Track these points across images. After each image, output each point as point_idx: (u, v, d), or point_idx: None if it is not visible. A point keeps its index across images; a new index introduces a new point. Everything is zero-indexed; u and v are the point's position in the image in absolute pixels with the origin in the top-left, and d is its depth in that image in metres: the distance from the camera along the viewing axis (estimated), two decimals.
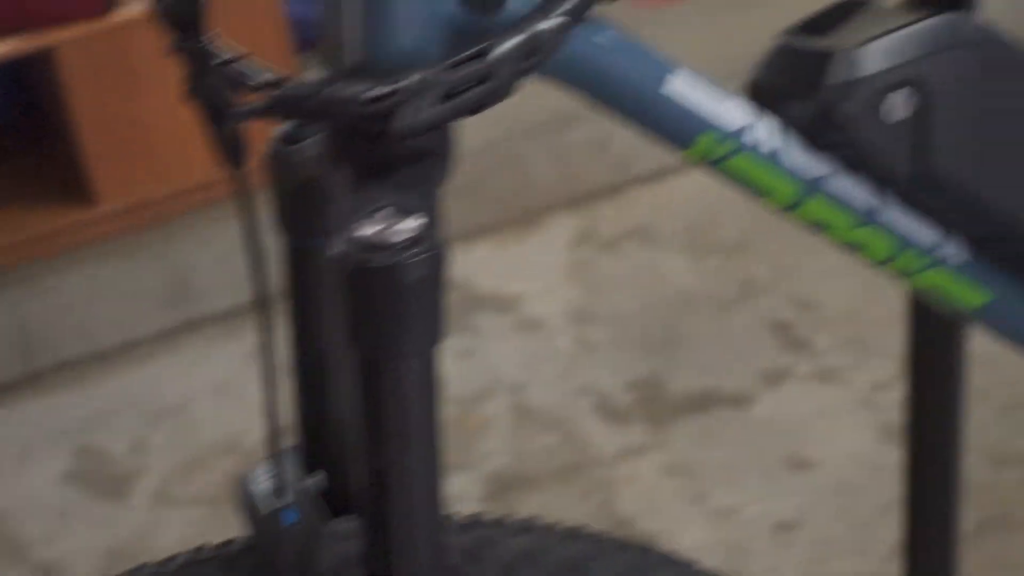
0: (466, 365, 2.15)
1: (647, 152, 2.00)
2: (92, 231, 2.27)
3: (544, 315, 2.23)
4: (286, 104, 0.69)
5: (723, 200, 1.97)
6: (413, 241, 0.68)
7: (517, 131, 2.35)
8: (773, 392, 2.04)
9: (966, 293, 0.90)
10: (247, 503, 0.83)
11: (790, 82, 0.81)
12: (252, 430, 2.07)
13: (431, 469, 0.74)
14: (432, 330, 0.70)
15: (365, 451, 0.73)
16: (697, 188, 2.31)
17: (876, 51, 0.80)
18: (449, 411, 2.09)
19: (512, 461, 2.01)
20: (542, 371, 2.13)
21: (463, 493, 1.92)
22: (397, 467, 0.72)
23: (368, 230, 0.68)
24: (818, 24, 0.84)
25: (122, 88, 2.23)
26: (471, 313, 2.24)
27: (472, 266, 2.31)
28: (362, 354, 0.71)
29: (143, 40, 2.17)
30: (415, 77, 0.66)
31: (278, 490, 0.81)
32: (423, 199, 0.71)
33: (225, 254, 2.21)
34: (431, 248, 0.68)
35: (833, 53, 0.80)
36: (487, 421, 2.08)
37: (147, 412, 2.17)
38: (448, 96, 0.67)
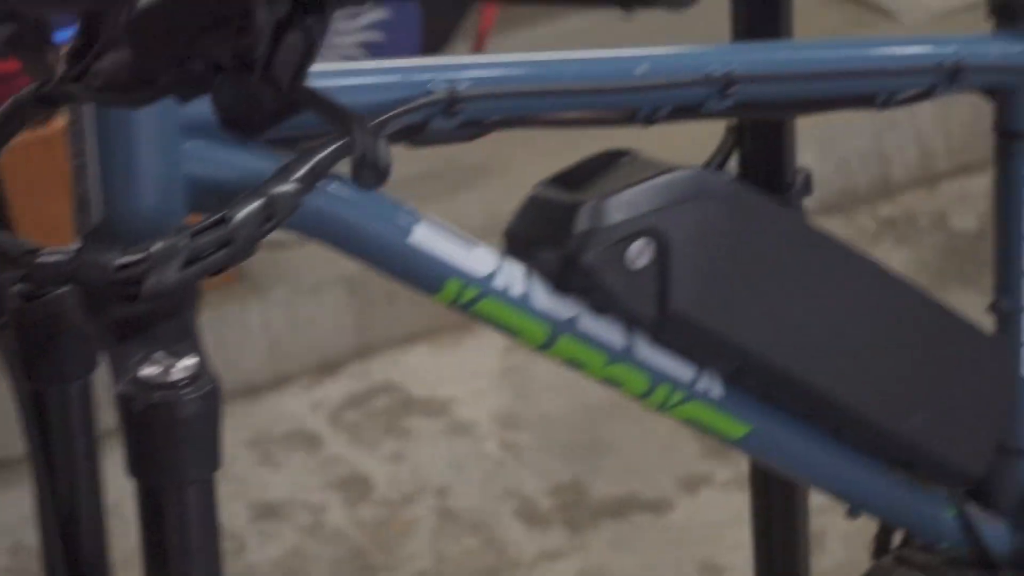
0: (395, 468, 2.18)
1: None
2: None
3: (474, 419, 2.25)
4: (42, 273, 0.73)
5: None
6: (190, 379, 0.71)
7: None
8: (692, 498, 2.06)
9: (727, 425, 0.94)
10: None
11: (541, 231, 0.85)
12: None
13: None
14: (209, 458, 0.74)
15: None
16: None
17: (617, 203, 0.85)
18: (375, 513, 2.13)
19: (434, 564, 2.03)
20: (468, 475, 2.15)
21: None
22: None
23: (148, 371, 0.72)
24: (575, 175, 0.89)
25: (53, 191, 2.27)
26: (403, 417, 2.27)
27: (407, 370, 2.34)
28: (145, 484, 0.75)
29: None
30: (161, 245, 0.70)
31: None
32: (185, 341, 0.75)
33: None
34: (206, 384, 0.72)
35: (577, 204, 0.84)
36: (412, 523, 2.10)
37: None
38: (192, 260, 0.71)
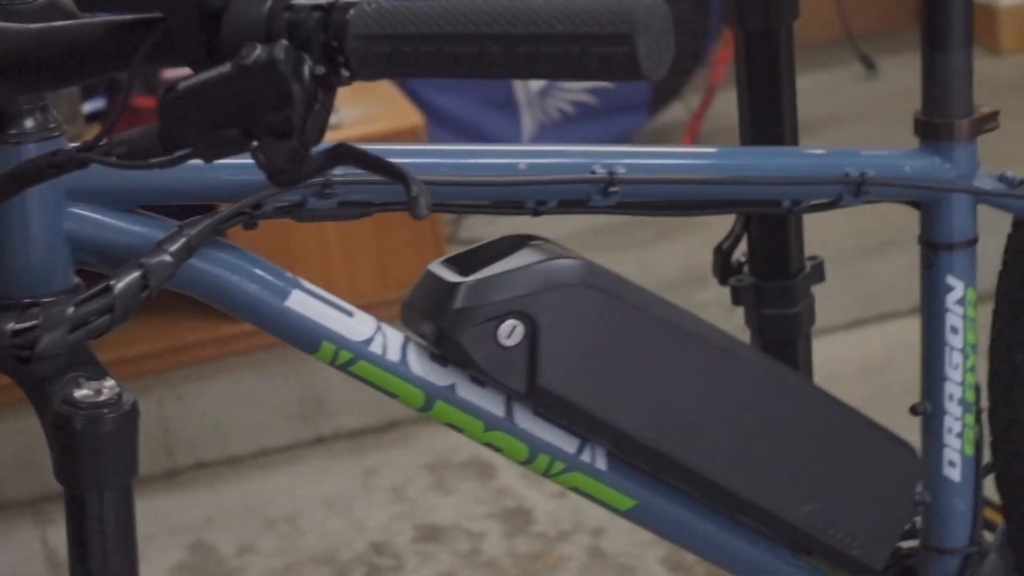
0: (557, 505, 2.26)
1: None
2: (235, 345, 2.51)
3: None
4: None
5: None
6: (116, 398, 0.83)
7: None
8: None
9: (613, 497, 0.98)
10: None
11: (426, 304, 0.93)
12: (350, 545, 2.26)
13: None
14: (128, 467, 0.85)
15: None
16: None
17: (492, 285, 0.91)
18: (531, 546, 2.21)
19: None
20: (622, 519, 2.21)
21: None
22: None
23: (81, 393, 0.84)
24: (474, 255, 0.95)
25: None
26: None
27: None
28: (72, 490, 0.87)
29: None
30: (49, 313, 0.82)
31: None
32: (97, 369, 0.86)
33: (363, 391, 2.43)
34: (128, 402, 0.83)
35: (457, 284, 0.91)
36: (563, 560, 2.18)
37: (262, 517, 2.37)
38: (78, 326, 0.82)
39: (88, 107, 2.59)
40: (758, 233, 1.27)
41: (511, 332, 0.95)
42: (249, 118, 0.76)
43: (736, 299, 1.31)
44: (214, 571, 2.33)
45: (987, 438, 1.16)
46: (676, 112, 3.15)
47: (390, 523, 2.37)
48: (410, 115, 2.59)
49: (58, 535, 2.42)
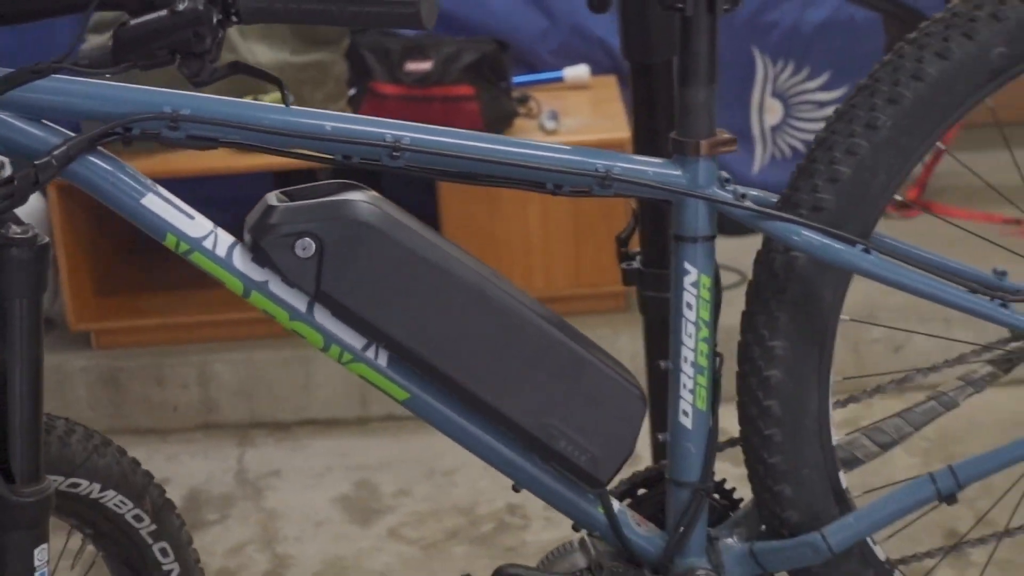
0: None
1: None
2: None
3: None
4: None
5: None
6: (29, 236, 1.30)
7: None
8: None
9: (390, 388, 1.42)
10: None
11: (253, 220, 1.40)
12: (491, 502, 2.75)
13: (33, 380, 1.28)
14: (39, 286, 1.31)
15: None
16: None
17: (296, 211, 1.38)
18: None
19: None
20: None
21: None
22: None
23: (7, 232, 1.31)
24: (304, 190, 1.42)
25: (486, 205, 2.98)
26: None
27: None
28: None
29: None
30: None
31: None
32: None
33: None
34: (38, 240, 1.30)
35: (274, 207, 1.38)
36: None
37: (425, 468, 2.89)
38: None
39: None
40: (646, 228, 1.67)
41: (304, 247, 1.39)
42: (175, 43, 1.24)
43: (626, 280, 1.70)
44: (370, 506, 2.85)
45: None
46: None
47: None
48: (622, 130, 3.02)
49: (254, 457, 3.03)
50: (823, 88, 3.40)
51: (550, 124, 3.08)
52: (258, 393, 3.14)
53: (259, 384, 3.13)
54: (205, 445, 3.07)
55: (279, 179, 3.40)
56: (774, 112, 3.35)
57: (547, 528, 2.70)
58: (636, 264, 1.63)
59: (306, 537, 2.75)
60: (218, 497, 2.86)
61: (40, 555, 1.35)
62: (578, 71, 3.34)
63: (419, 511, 2.81)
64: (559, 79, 3.35)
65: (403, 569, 2.64)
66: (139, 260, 3.41)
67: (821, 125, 1.45)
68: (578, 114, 3.11)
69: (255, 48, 3.07)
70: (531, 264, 2.98)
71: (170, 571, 1.58)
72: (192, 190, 3.45)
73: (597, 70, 3.34)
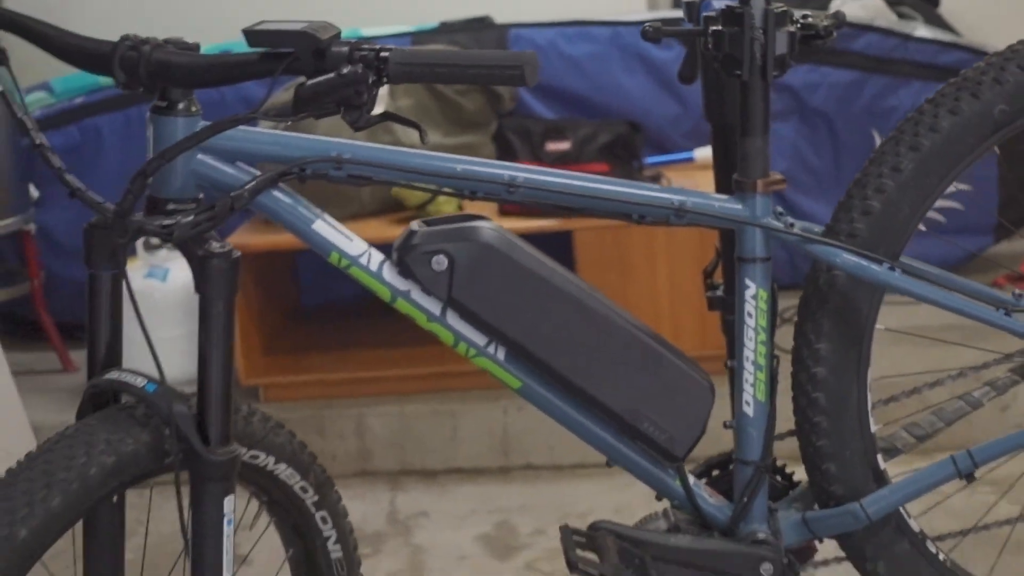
0: None
1: None
2: None
3: None
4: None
5: None
6: (227, 250, 1.77)
7: None
8: None
9: (507, 377, 1.88)
10: None
11: (401, 243, 1.86)
12: None
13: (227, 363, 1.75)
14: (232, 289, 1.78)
15: None
16: None
17: (431, 234, 1.84)
18: None
19: None
20: None
21: None
22: None
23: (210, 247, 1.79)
24: (441, 220, 1.87)
25: (617, 274, 3.43)
26: None
27: None
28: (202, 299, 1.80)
29: (639, 237, 3.35)
30: (182, 216, 1.77)
31: None
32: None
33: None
34: (232, 254, 1.74)
35: (414, 232, 1.85)
36: None
37: (561, 512, 3.34)
38: (198, 223, 1.76)
39: None
40: (727, 262, 2.11)
41: (439, 263, 1.83)
42: (340, 98, 1.66)
43: (710, 306, 2.14)
44: (508, 543, 3.29)
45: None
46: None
47: None
48: None
49: (404, 500, 3.49)
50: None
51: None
52: (408, 443, 3.61)
53: (409, 435, 3.60)
54: (361, 490, 3.53)
55: None
56: None
57: None
58: (719, 292, 2.07)
59: (450, 569, 3.19)
60: (371, 535, 3.30)
61: (228, 504, 1.77)
62: (708, 152, 3.80)
63: (554, 548, 3.23)
64: (690, 159, 3.81)
65: None
66: (301, 323, 3.92)
67: (937, 203, 1.88)
68: (707, 189, 3.56)
69: (411, 132, 3.59)
70: (660, 327, 3.41)
71: (329, 537, 2.03)
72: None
73: None
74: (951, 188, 3.66)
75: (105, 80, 3.88)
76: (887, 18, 4.00)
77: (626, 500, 3.26)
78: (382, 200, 3.62)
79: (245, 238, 3.41)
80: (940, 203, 3.85)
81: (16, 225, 3.89)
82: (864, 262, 1.82)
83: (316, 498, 1.99)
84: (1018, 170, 3.82)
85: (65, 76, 4.09)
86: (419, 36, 3.81)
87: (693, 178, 3.73)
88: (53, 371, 4.01)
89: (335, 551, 2.03)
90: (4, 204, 3.84)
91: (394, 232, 3.47)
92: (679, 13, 3.70)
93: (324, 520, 2.01)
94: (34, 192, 3.97)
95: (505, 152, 3.56)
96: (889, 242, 1.83)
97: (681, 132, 3.81)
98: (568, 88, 3.83)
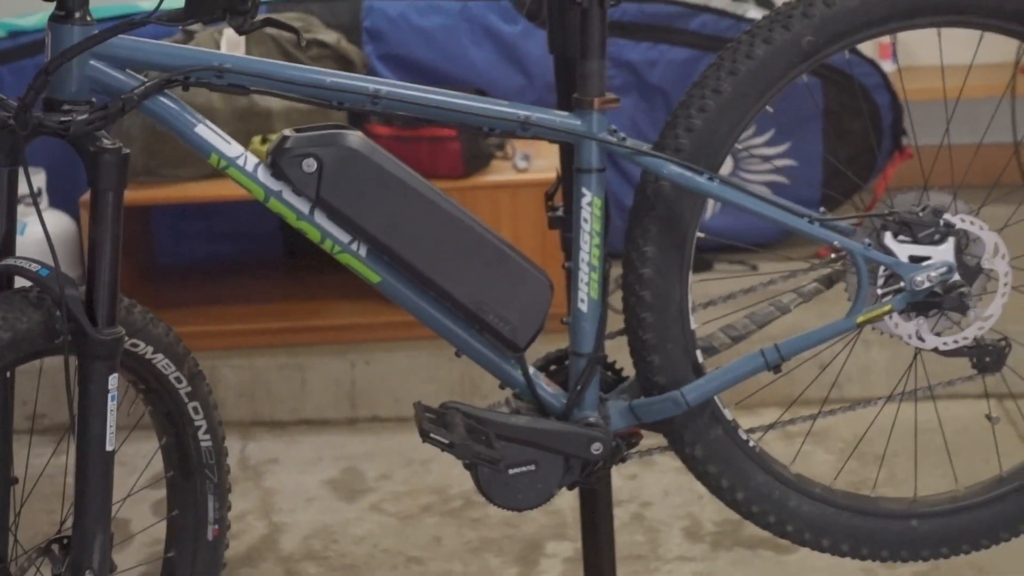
0: None
1: None
2: (420, 331, 3.78)
3: None
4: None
5: None
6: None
7: None
8: None
9: (368, 272, 2.15)
10: None
11: (273, 147, 2.14)
12: (461, 484, 3.43)
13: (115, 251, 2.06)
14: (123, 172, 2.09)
15: None
16: None
17: (303, 139, 2.11)
18: None
19: None
20: None
21: None
22: None
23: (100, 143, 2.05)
24: (312, 128, 2.15)
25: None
26: None
27: None
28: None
29: (494, 199, 3.66)
30: (76, 111, 2.02)
31: None
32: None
33: None
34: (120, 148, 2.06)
35: (287, 137, 2.13)
36: None
37: (406, 459, 3.62)
38: (91, 121, 2.03)
39: None
40: (567, 185, 2.42)
41: (309, 165, 2.10)
42: (227, 5, 1.86)
43: (550, 225, 2.45)
44: (355, 487, 3.57)
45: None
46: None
47: None
48: None
49: (255, 449, 3.75)
50: (768, 144, 4.18)
51: (522, 164, 3.86)
52: (259, 395, 3.87)
53: (259, 387, 3.87)
54: None
55: None
56: (725, 166, 4.13)
57: None
58: (559, 212, 2.38)
59: (298, 509, 3.46)
60: None
61: (112, 381, 1.99)
62: None
63: (399, 491, 3.52)
64: None
65: (382, 534, 3.34)
66: (155, 281, 4.17)
67: (765, 177, 2.18)
68: (548, 157, 3.89)
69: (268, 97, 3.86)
70: None
71: (200, 426, 2.28)
72: (207, 224, 4.25)
73: None
74: (780, 162, 4.03)
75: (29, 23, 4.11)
76: (721, 1, 4.37)
77: None
78: None
79: None
80: (767, 177, 4.25)
81: None
82: (688, 173, 2.13)
83: (189, 389, 2.23)
84: (840, 145, 4.23)
85: None
86: (274, 4, 4.09)
87: (536, 147, 4.06)
88: None
89: (205, 440, 2.28)
90: None
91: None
92: None
93: (196, 410, 2.25)
94: None
95: (357, 116, 3.84)
96: (710, 156, 2.15)
97: (525, 102, 4.12)
98: (418, 58, 4.14)
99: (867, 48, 4.33)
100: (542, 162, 3.89)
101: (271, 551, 3.23)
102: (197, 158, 3.90)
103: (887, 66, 4.40)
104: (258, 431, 3.84)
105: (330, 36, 4.03)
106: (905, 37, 4.95)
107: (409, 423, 3.80)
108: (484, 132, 2.15)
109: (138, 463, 2.24)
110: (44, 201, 3.85)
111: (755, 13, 4.22)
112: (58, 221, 3.88)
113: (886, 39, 4.81)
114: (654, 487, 3.46)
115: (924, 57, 4.67)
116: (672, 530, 3.26)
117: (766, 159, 4.15)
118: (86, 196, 3.83)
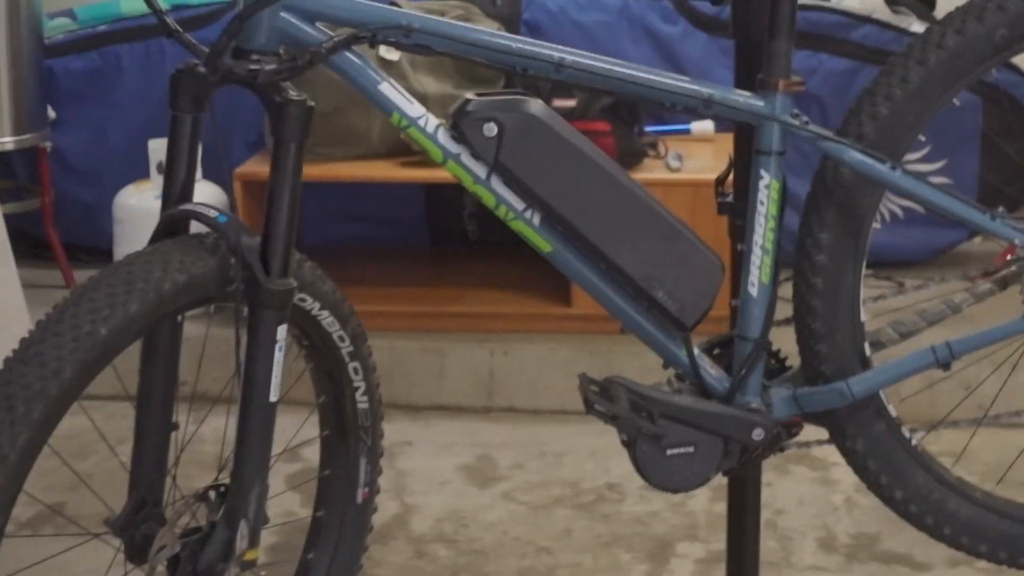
0: None
1: None
2: (561, 324, 3.80)
3: None
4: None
5: None
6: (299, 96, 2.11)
7: None
8: None
9: (540, 241, 2.15)
10: None
11: (456, 109, 2.14)
12: (593, 479, 3.44)
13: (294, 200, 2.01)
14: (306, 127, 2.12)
15: None
16: None
17: (484, 104, 2.12)
18: None
19: None
20: None
21: None
22: None
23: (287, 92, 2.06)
24: (496, 93, 2.15)
25: None
26: None
27: None
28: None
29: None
30: (265, 60, 2.06)
31: None
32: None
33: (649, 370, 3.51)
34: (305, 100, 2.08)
35: (469, 100, 2.13)
36: None
37: (540, 450, 3.62)
38: (281, 69, 2.04)
39: None
40: (739, 172, 2.40)
41: (490, 130, 2.09)
42: None
43: (720, 210, 2.43)
44: (488, 474, 3.57)
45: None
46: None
47: (630, 474, 3.48)
48: None
49: (390, 431, 3.65)
50: (924, 160, 4.13)
51: (675, 163, 3.85)
52: (397, 377, 3.89)
53: (398, 370, 3.88)
54: None
55: (431, 193, 4.22)
56: None
57: (640, 503, 3.36)
58: (729, 199, 2.36)
59: (431, 492, 3.47)
60: None
61: (281, 332, 2.00)
62: (704, 125, 4.11)
63: (532, 481, 3.51)
64: (687, 131, 4.12)
65: (512, 523, 3.34)
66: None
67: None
68: (700, 158, 3.88)
69: (423, 80, 3.88)
70: None
71: (358, 388, 2.29)
72: (352, 205, 4.28)
73: (720, 128, 4.11)
74: (935, 179, 3.97)
75: (128, 9, 4.18)
76: (884, 14, 4.33)
77: (601, 444, 3.51)
78: (390, 142, 3.90)
79: None
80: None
81: (33, 141, 4.15)
82: (869, 160, 2.11)
83: (351, 349, 2.25)
84: (998, 167, 4.17)
85: (88, 4, 4.36)
86: None
87: (689, 148, 4.04)
88: (56, 286, 4.25)
89: (362, 402, 2.29)
90: (24, 120, 4.10)
91: (400, 173, 3.80)
92: None
93: (356, 371, 2.27)
94: (51, 113, 4.23)
95: None
96: (892, 145, 2.12)
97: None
98: None
99: None
100: (694, 163, 3.87)
101: (402, 530, 3.24)
102: (349, 138, 3.96)
103: None
104: (394, 413, 3.82)
105: (490, 26, 4.04)
106: None
107: (545, 415, 3.85)
108: (667, 107, 2.13)
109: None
110: (199, 173, 3.89)
111: (918, 27, 4.18)
112: (212, 192, 3.92)
113: None
114: (789, 495, 3.42)
115: None
116: (806, 539, 3.21)
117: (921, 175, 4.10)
118: (240, 168, 3.89)
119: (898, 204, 4.12)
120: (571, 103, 3.80)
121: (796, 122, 2.10)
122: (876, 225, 2.17)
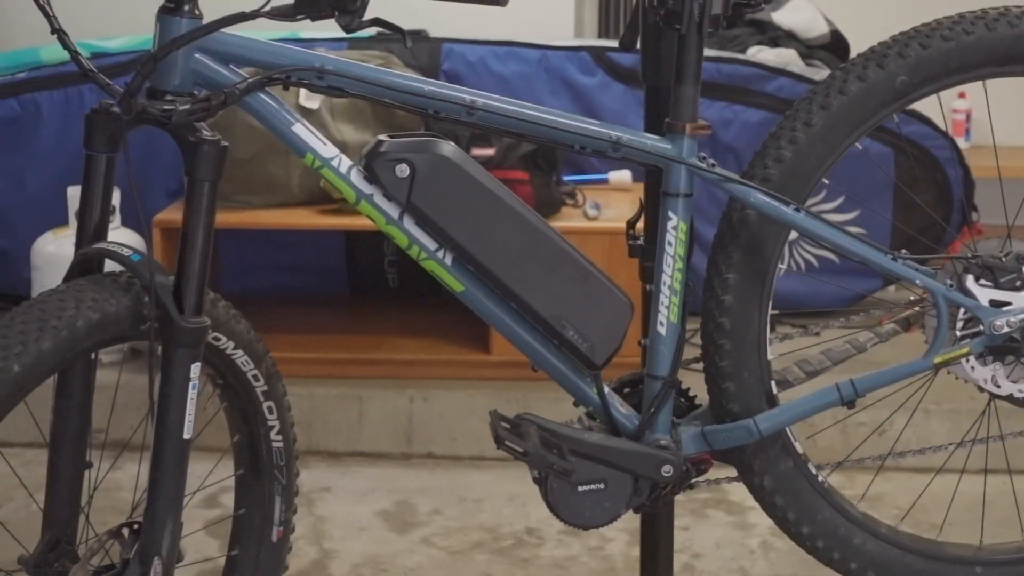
0: None
1: None
2: (479, 371, 3.83)
3: None
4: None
5: None
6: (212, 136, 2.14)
7: None
8: None
9: (452, 281, 2.19)
10: None
11: (368, 151, 2.18)
12: (512, 525, 3.45)
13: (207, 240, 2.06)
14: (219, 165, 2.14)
15: None
16: None
17: (397, 145, 2.15)
18: None
19: None
20: None
21: None
22: None
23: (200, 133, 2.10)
24: (408, 135, 2.19)
25: None
26: None
27: None
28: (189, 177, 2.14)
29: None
30: (178, 102, 2.09)
31: None
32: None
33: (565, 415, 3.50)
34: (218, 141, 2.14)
35: (381, 142, 2.17)
36: None
37: (458, 496, 3.64)
38: (194, 111, 2.09)
39: None
40: (650, 215, 2.45)
41: (402, 170, 2.14)
42: (336, 3, 1.95)
43: (631, 253, 2.48)
44: (407, 520, 3.58)
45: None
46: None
47: (549, 519, 3.47)
48: None
49: (309, 477, 3.75)
50: (838, 211, 4.21)
51: (592, 212, 3.91)
52: (315, 424, 3.91)
53: (316, 416, 3.90)
54: None
55: (351, 240, 4.25)
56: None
57: (559, 547, 3.39)
58: (640, 241, 2.42)
59: (350, 538, 3.48)
60: None
61: (194, 370, 2.02)
62: (622, 175, 4.18)
63: (450, 527, 3.53)
64: (604, 180, 4.19)
65: (431, 568, 3.35)
66: None
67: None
68: (618, 207, 3.94)
69: (343, 128, 3.92)
70: None
71: (272, 427, 2.32)
72: (273, 253, 4.31)
73: (638, 178, 4.17)
74: (849, 229, 4.04)
75: (47, 57, 4.20)
76: (799, 66, 4.42)
77: (519, 490, 3.58)
78: (309, 190, 3.94)
79: None
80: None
81: None
82: (774, 203, 2.17)
83: (265, 388, 2.27)
84: (910, 216, 4.26)
85: (7, 52, 4.38)
86: (356, 42, 4.16)
87: (606, 197, 4.11)
88: None
89: (277, 441, 2.32)
90: None
91: (320, 220, 3.84)
92: (606, 42, 4.10)
93: (270, 410, 2.29)
94: None
95: None
96: (797, 188, 2.19)
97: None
98: None
99: (942, 122, 4.37)
100: (611, 212, 3.94)
101: (321, 575, 3.25)
102: (268, 186, 3.99)
103: (961, 142, 4.44)
104: (312, 460, 3.87)
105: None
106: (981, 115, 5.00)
107: (464, 461, 3.88)
108: (576, 150, 2.18)
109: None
110: (116, 219, 3.91)
111: None
112: (130, 238, 3.94)
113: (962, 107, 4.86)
114: (706, 539, 3.46)
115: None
116: None
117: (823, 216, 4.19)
118: (158, 215, 3.91)
119: (812, 253, 4.19)
120: (490, 151, 3.85)
121: (703, 164, 2.15)
122: (782, 267, 2.22)
